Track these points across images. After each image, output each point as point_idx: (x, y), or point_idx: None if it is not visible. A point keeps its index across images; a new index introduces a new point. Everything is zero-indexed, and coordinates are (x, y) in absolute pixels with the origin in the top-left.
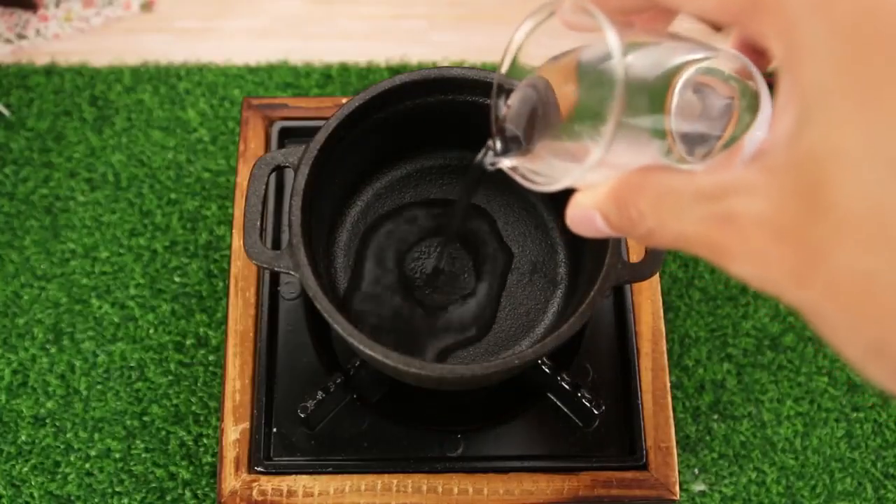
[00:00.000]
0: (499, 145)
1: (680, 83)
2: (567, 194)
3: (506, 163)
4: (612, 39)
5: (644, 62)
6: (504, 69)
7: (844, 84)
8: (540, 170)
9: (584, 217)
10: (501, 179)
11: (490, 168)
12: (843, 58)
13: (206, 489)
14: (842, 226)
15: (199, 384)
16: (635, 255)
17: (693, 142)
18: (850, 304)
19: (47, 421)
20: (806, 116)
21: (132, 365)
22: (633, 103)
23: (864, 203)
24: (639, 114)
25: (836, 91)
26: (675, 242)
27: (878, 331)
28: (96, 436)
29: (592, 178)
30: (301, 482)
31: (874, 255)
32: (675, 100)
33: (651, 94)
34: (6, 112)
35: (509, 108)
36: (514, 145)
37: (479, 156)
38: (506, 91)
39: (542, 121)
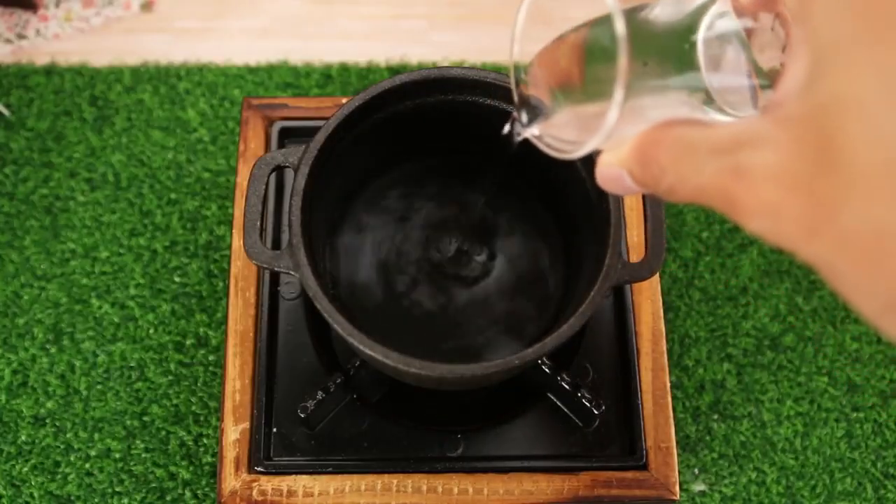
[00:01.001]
0: (524, 116)
1: (701, 35)
2: (566, 190)
3: (532, 131)
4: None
5: (655, 16)
6: (517, 35)
7: (856, 33)
8: (566, 136)
9: (611, 175)
10: (500, 178)
11: (517, 138)
12: (855, 6)
13: (206, 489)
14: (854, 177)
15: (199, 384)
16: (635, 255)
17: (730, 91)
18: (864, 258)
19: (47, 421)
20: (818, 66)
21: (132, 365)
22: (647, 59)
23: (877, 154)
24: (656, 69)
25: (848, 40)
26: (695, 197)
27: (893, 285)
28: (96, 436)
29: (620, 137)
30: (301, 482)
31: (887, 207)
32: (699, 49)
33: (668, 48)
34: (6, 112)
35: (530, 76)
36: (538, 113)
37: (507, 128)
38: (523, 66)
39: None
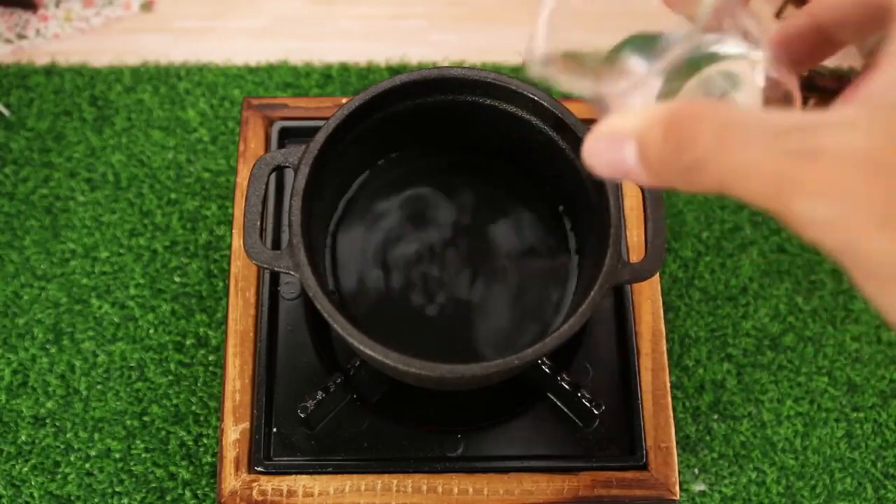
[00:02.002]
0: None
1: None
2: (566, 190)
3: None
4: None
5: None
6: (541, 28)
7: None
8: (580, 76)
9: (610, 145)
10: (501, 178)
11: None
12: None
13: (206, 489)
14: None
15: (199, 384)
16: (635, 255)
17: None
18: None
19: (47, 421)
20: None
21: (132, 365)
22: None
23: None
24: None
25: None
26: (728, 175)
27: None
28: (96, 436)
29: (622, 103)
30: (301, 482)
31: None
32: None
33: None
34: (6, 112)
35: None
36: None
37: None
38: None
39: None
